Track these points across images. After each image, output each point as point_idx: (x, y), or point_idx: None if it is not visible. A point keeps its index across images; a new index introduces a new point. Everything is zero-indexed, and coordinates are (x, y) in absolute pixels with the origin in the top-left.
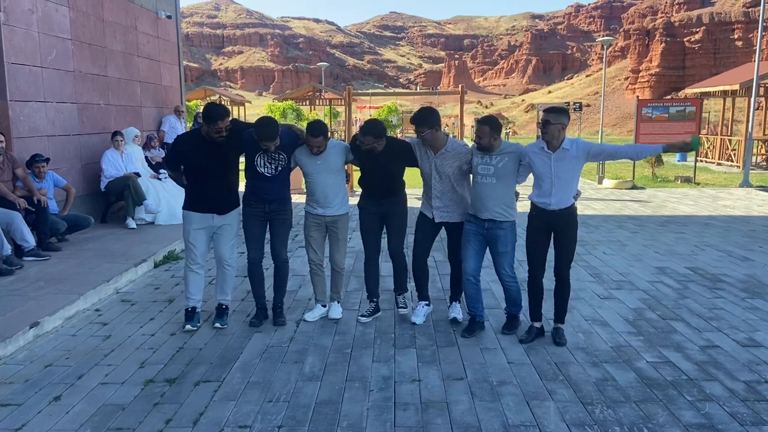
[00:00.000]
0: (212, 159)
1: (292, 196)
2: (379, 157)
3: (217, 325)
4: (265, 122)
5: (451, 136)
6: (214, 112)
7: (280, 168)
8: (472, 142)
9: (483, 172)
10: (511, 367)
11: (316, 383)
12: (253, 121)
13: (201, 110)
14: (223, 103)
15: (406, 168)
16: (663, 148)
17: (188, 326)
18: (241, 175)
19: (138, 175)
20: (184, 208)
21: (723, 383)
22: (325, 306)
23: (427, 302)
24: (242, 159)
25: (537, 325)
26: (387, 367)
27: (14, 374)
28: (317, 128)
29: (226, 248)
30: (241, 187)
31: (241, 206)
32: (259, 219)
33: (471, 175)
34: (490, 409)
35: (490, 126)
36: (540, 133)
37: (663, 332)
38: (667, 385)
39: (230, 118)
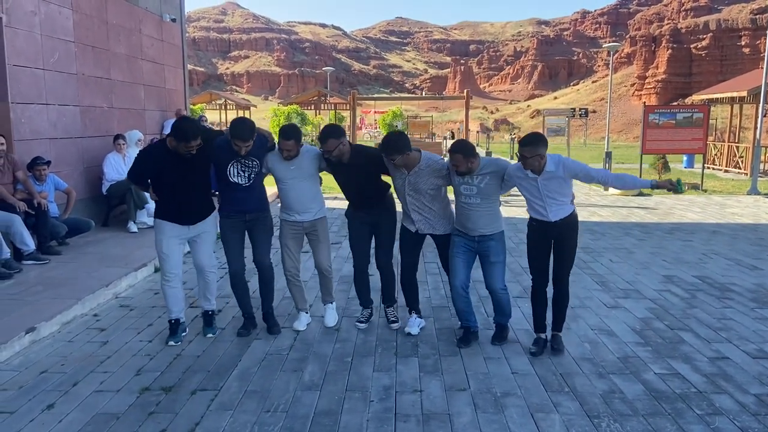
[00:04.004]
0: (182, 173)
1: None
2: (347, 168)
3: (209, 335)
4: (242, 122)
5: (423, 151)
6: (188, 130)
7: (253, 175)
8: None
9: (466, 193)
10: (515, 377)
11: (315, 393)
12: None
13: (204, 113)
14: (228, 106)
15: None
16: (651, 184)
17: (171, 342)
18: None
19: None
20: (155, 216)
21: (733, 396)
22: (307, 313)
23: (418, 315)
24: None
25: (543, 336)
26: (388, 376)
27: (8, 381)
28: (289, 132)
29: (206, 255)
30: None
31: (216, 211)
32: (237, 230)
33: (454, 194)
34: (493, 422)
35: (462, 153)
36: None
37: (671, 343)
38: (676, 398)
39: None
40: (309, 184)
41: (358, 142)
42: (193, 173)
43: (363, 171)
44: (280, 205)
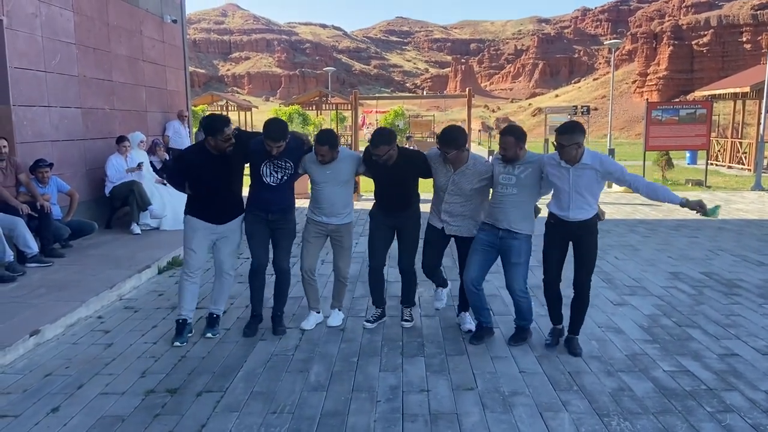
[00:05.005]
0: (219, 173)
1: (296, 201)
2: (392, 168)
3: (209, 335)
4: (274, 122)
5: (472, 151)
6: (217, 121)
7: (286, 177)
8: (493, 155)
9: (504, 182)
10: (523, 376)
11: (321, 393)
12: (260, 129)
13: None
14: (230, 108)
15: (420, 179)
16: (681, 202)
17: (176, 343)
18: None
19: (140, 166)
20: (186, 213)
21: (743, 393)
22: (319, 312)
23: (445, 288)
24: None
25: (559, 327)
26: (394, 376)
27: (13, 384)
28: (324, 137)
29: (228, 257)
30: (245, 192)
31: (243, 214)
32: (262, 226)
33: (492, 187)
34: (501, 421)
35: (515, 136)
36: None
37: (679, 340)
38: (686, 395)
39: (232, 125)
40: (343, 189)
41: (359, 142)
42: (230, 173)
43: (403, 172)
44: (308, 203)
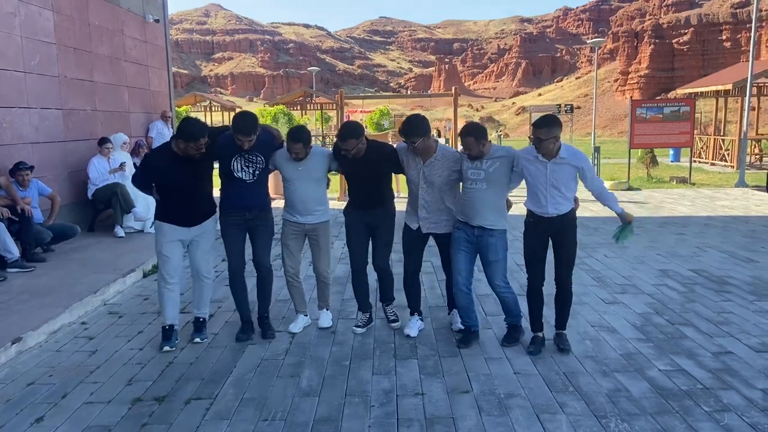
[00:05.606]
0: (186, 175)
1: (272, 201)
2: (362, 163)
3: (197, 340)
4: (244, 116)
5: (441, 142)
6: (195, 130)
7: (258, 172)
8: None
9: (473, 177)
10: (518, 378)
11: (313, 399)
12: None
13: (189, 116)
14: (213, 108)
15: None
16: (618, 212)
17: (166, 347)
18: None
19: (122, 166)
20: (156, 218)
21: (740, 392)
22: (306, 315)
23: (420, 316)
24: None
25: (540, 335)
26: (388, 379)
27: None
28: (298, 134)
29: (203, 259)
30: (216, 192)
31: (217, 213)
32: (238, 228)
33: (461, 182)
34: (498, 424)
35: (475, 136)
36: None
37: (673, 338)
38: (683, 395)
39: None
40: (315, 186)
41: None
42: (198, 174)
43: (376, 167)
44: (283, 204)
